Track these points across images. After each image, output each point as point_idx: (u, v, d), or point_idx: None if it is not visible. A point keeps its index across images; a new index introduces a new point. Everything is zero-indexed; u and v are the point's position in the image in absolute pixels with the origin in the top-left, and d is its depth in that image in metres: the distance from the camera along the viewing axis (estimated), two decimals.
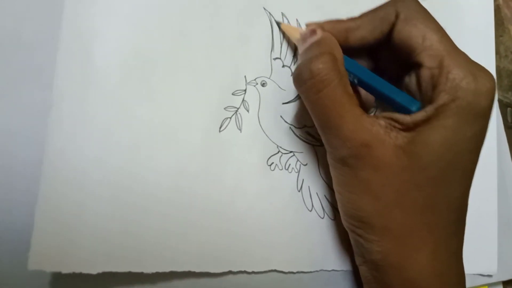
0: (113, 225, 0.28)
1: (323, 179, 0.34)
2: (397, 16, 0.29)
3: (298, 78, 0.28)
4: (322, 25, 0.30)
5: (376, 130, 0.27)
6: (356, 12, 0.35)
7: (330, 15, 0.35)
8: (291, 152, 0.34)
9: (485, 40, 0.40)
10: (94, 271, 0.27)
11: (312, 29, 0.30)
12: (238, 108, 0.33)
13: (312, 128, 0.34)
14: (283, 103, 0.34)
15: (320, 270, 0.34)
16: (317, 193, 0.34)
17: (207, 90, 0.32)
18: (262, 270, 0.32)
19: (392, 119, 0.27)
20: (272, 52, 0.34)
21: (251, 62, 0.33)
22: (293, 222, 0.33)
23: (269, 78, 0.34)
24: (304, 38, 0.31)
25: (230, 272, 0.31)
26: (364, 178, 0.27)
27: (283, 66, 0.34)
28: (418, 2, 0.30)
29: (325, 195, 0.34)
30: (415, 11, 0.29)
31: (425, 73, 0.28)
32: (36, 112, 0.29)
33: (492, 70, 0.40)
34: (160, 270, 0.29)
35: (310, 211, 0.34)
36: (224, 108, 0.32)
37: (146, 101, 0.30)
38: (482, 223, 0.38)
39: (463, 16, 0.39)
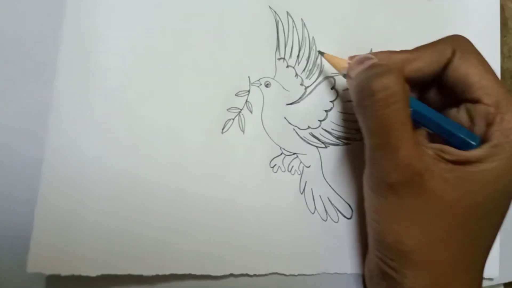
0: (112, 227, 0.28)
1: (327, 182, 0.34)
2: (453, 53, 0.29)
3: (365, 90, 0.27)
4: (374, 55, 0.30)
5: (427, 159, 0.26)
6: (363, 13, 0.35)
7: (335, 14, 0.35)
8: (294, 154, 0.33)
9: (490, 40, 0.39)
10: (93, 273, 0.27)
11: (366, 56, 0.30)
12: (241, 109, 0.32)
13: (316, 130, 0.34)
14: (287, 104, 0.33)
15: (323, 273, 0.33)
16: (320, 196, 0.33)
17: (210, 90, 0.32)
18: (264, 273, 0.32)
19: (441, 150, 0.27)
20: (277, 52, 0.33)
21: (255, 62, 0.33)
22: (295, 225, 0.33)
23: (273, 79, 0.33)
24: (360, 60, 0.30)
25: (231, 275, 0.31)
26: (412, 209, 0.26)
27: (288, 66, 0.34)
28: (471, 43, 0.30)
29: (328, 198, 0.34)
30: (471, 51, 0.29)
31: (481, 109, 0.28)
32: (37, 111, 0.28)
33: (497, 71, 0.39)
34: (160, 273, 0.29)
35: (313, 213, 0.33)
36: (227, 109, 0.32)
37: (147, 102, 0.30)
38: None
39: (468, 16, 0.39)
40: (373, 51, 0.35)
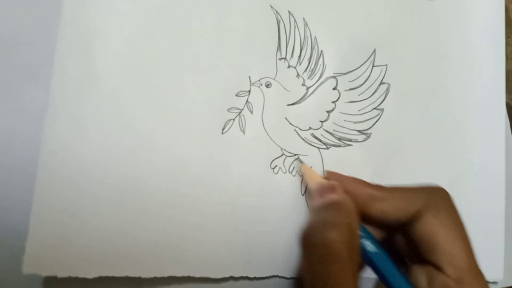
0: (110, 228, 0.28)
1: None
2: (425, 206, 0.27)
3: (309, 239, 0.25)
4: (344, 181, 0.29)
5: None
6: (366, 12, 0.35)
7: (338, 14, 0.34)
8: (295, 155, 0.33)
9: (495, 41, 0.39)
10: (90, 275, 0.27)
11: (332, 185, 0.28)
12: (241, 110, 0.32)
13: (318, 131, 0.33)
14: (288, 105, 0.33)
15: None
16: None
17: (210, 90, 0.31)
18: (264, 275, 0.31)
19: None
20: (278, 52, 0.33)
21: (256, 62, 0.33)
22: (296, 227, 0.32)
23: (273, 79, 0.33)
24: (321, 192, 0.28)
25: (231, 278, 0.31)
26: None
27: (289, 66, 0.33)
28: (451, 199, 0.28)
29: None
30: (447, 208, 0.27)
31: (440, 280, 0.26)
32: (34, 112, 0.28)
33: (501, 73, 0.39)
34: (159, 275, 0.28)
35: None
36: (227, 110, 0.31)
37: (146, 102, 0.30)
38: (489, 229, 0.37)
39: (471, 17, 0.38)
40: (376, 51, 0.35)
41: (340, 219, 0.25)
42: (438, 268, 0.26)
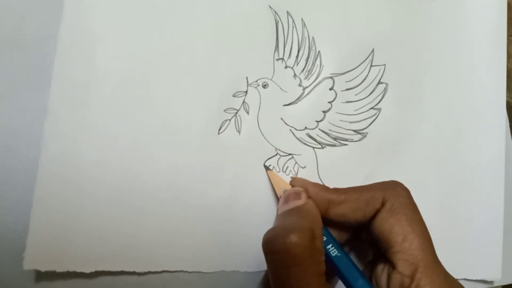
0: (107, 226, 0.29)
1: (322, 182, 0.34)
2: (383, 204, 0.28)
3: (270, 245, 0.25)
4: (307, 187, 0.29)
5: None
6: (364, 13, 0.35)
7: (336, 14, 0.34)
8: (289, 154, 0.33)
9: (496, 40, 0.38)
10: (87, 270, 0.28)
11: (297, 191, 0.29)
12: (238, 110, 0.33)
13: (313, 130, 0.34)
14: (284, 105, 0.34)
15: None
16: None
17: (208, 91, 0.32)
18: (256, 270, 0.32)
19: None
20: (276, 53, 0.33)
21: (254, 62, 0.33)
22: None
23: (270, 80, 0.33)
24: (286, 198, 0.29)
25: (222, 271, 0.32)
26: None
27: (286, 67, 0.34)
28: (409, 195, 0.28)
29: None
30: (403, 204, 0.28)
31: (395, 278, 0.26)
32: (36, 113, 0.29)
33: (503, 71, 0.39)
34: (153, 270, 0.30)
35: None
36: (224, 110, 0.32)
37: (144, 102, 0.31)
38: (488, 230, 0.38)
39: (472, 16, 0.38)
40: (374, 51, 0.35)
41: (301, 223, 0.26)
42: (394, 266, 0.27)
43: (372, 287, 0.27)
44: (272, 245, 0.25)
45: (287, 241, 0.24)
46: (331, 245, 0.28)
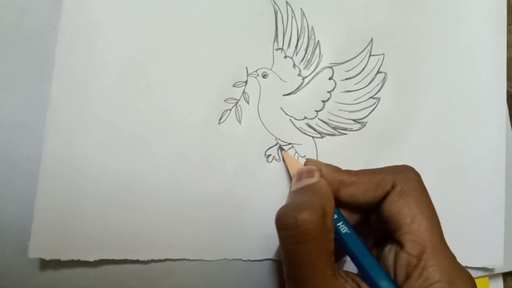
0: (110, 215, 0.29)
1: None
2: (393, 186, 0.28)
3: (282, 221, 0.26)
4: (320, 167, 0.30)
5: None
6: (363, 2, 0.35)
7: (335, 4, 0.35)
8: (289, 144, 0.34)
9: (496, 29, 0.39)
10: (91, 258, 0.29)
11: (310, 169, 0.30)
12: (238, 100, 0.33)
13: (313, 120, 0.34)
14: (284, 95, 0.34)
15: None
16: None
17: (208, 81, 0.32)
18: (258, 258, 0.33)
19: (358, 286, 0.27)
20: (275, 43, 0.34)
21: (253, 52, 0.33)
22: None
23: (270, 70, 0.33)
24: (300, 176, 0.30)
25: (224, 259, 0.32)
26: None
27: (285, 57, 0.34)
28: (419, 178, 0.29)
29: None
30: (413, 187, 0.28)
31: (403, 257, 0.27)
32: (38, 105, 0.29)
33: (503, 61, 0.39)
34: (155, 258, 0.30)
35: None
36: (224, 100, 0.32)
37: (145, 94, 0.31)
38: (489, 218, 0.38)
39: (471, 5, 0.38)
40: (373, 40, 0.35)
41: (312, 200, 0.27)
42: (402, 246, 0.27)
43: (379, 265, 0.28)
44: (284, 221, 0.26)
45: (298, 218, 0.25)
46: (341, 222, 0.29)
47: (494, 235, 0.38)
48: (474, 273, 0.38)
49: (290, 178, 0.33)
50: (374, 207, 0.29)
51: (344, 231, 0.28)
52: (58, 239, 0.28)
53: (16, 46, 0.30)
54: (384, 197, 0.28)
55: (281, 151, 0.34)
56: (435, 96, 0.37)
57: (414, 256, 0.26)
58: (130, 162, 0.30)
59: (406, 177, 0.28)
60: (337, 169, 0.30)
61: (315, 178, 0.29)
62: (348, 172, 0.30)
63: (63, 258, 0.28)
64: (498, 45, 0.39)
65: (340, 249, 0.29)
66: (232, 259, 0.32)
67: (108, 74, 0.30)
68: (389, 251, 0.28)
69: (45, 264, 0.29)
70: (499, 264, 0.38)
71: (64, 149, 0.29)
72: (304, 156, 0.34)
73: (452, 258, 0.27)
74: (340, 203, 0.30)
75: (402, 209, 0.27)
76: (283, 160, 0.33)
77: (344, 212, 0.30)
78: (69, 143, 0.29)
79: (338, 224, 0.28)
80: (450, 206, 0.36)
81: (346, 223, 0.29)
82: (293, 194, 0.30)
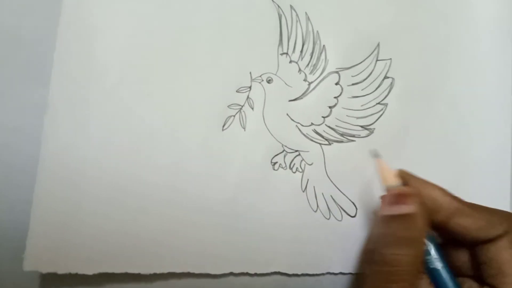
0: (110, 225, 0.28)
1: (330, 180, 0.33)
2: (506, 231, 0.27)
3: (371, 255, 0.25)
4: (420, 188, 0.28)
5: None
6: (369, 6, 0.34)
7: (341, 8, 0.34)
8: (296, 151, 0.33)
9: (502, 32, 0.38)
10: (90, 271, 0.27)
11: (406, 193, 0.27)
12: (242, 106, 0.32)
13: (320, 126, 0.33)
14: (290, 100, 0.33)
15: (326, 273, 0.33)
16: (322, 194, 0.33)
17: (210, 87, 0.31)
18: (265, 272, 0.31)
19: None
20: (280, 47, 0.33)
21: (257, 57, 0.32)
22: (297, 223, 0.32)
23: (275, 74, 0.32)
24: (392, 200, 0.27)
25: (231, 274, 0.31)
26: None
27: (290, 61, 0.33)
28: None
29: (331, 196, 0.33)
30: None
31: None
32: (36, 109, 0.28)
33: (509, 65, 0.38)
34: (158, 271, 0.29)
35: (315, 212, 0.32)
36: (228, 106, 0.31)
37: (146, 99, 0.30)
38: None
39: (478, 8, 0.37)
40: (380, 45, 0.35)
41: (409, 235, 0.25)
42: None
43: None
44: (375, 256, 0.24)
45: (391, 253, 0.23)
46: (437, 256, 0.27)
47: None
48: None
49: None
50: (475, 244, 0.28)
51: (438, 267, 0.27)
52: (55, 251, 0.27)
53: (14, 49, 0.29)
54: (492, 240, 0.27)
55: (375, 157, 0.31)
56: (442, 101, 0.36)
57: None
58: (130, 169, 0.29)
59: None
60: (448, 193, 0.28)
61: (413, 208, 0.26)
62: (463, 201, 0.28)
63: (60, 271, 0.26)
64: (504, 48, 0.38)
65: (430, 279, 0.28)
66: (239, 273, 0.31)
67: (108, 78, 0.29)
68: None
69: (43, 278, 0.28)
70: None
71: (62, 156, 0.28)
72: (311, 164, 0.33)
73: None
74: (438, 229, 0.28)
75: (510, 257, 0.26)
76: (377, 168, 0.30)
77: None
78: (67, 150, 0.28)
79: (433, 258, 0.27)
80: None
81: (441, 255, 0.27)
82: (384, 222, 0.27)
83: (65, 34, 0.29)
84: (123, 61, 0.30)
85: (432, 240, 0.28)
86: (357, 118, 0.34)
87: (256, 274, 0.31)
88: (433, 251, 0.27)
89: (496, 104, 0.38)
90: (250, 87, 0.32)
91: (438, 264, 0.27)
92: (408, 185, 0.28)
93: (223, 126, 0.31)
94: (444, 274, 0.27)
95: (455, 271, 0.28)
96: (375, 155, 0.31)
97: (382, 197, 0.29)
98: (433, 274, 0.27)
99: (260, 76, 0.32)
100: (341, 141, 0.34)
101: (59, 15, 0.29)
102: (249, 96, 0.32)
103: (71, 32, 0.29)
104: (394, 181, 0.29)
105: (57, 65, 0.28)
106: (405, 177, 0.29)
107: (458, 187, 0.35)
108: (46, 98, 0.28)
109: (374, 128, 0.34)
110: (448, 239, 0.29)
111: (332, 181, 0.33)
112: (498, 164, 0.37)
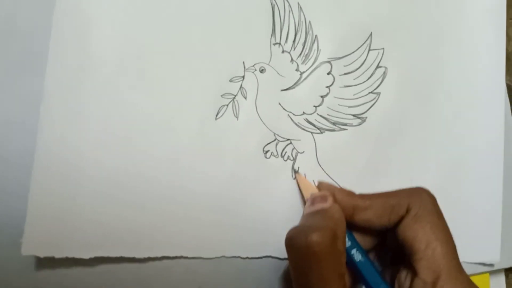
0: (105, 211, 0.29)
1: (321, 167, 0.34)
2: (408, 210, 0.28)
3: (292, 242, 0.26)
4: (334, 192, 0.30)
5: None
6: None
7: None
8: (288, 139, 0.33)
9: (496, 23, 0.38)
10: (86, 255, 0.28)
11: (323, 195, 0.30)
12: (235, 95, 0.32)
13: (312, 115, 0.34)
14: (282, 90, 0.33)
15: None
16: (313, 181, 0.34)
17: (204, 76, 0.32)
18: (257, 256, 0.32)
19: None
20: (273, 37, 0.33)
21: (250, 47, 0.33)
22: (288, 210, 0.33)
23: (268, 64, 0.33)
24: (313, 201, 0.30)
25: (223, 257, 0.32)
26: None
27: (283, 51, 0.33)
28: (435, 201, 0.29)
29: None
30: (428, 211, 0.28)
31: (417, 285, 0.27)
32: (32, 101, 0.29)
33: (502, 55, 0.38)
34: (152, 255, 0.30)
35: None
36: (221, 95, 0.32)
37: (141, 89, 0.30)
38: (487, 213, 0.38)
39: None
40: (372, 34, 0.35)
41: (324, 223, 0.26)
42: (416, 272, 0.27)
43: None
44: (294, 242, 0.26)
45: (308, 239, 0.25)
46: (355, 249, 0.29)
47: (491, 230, 0.38)
48: (474, 269, 0.38)
49: (304, 201, 0.33)
50: (389, 230, 0.29)
51: (358, 259, 0.28)
52: (52, 236, 0.28)
53: (9, 41, 0.29)
54: (399, 221, 0.28)
55: (294, 172, 0.33)
56: (435, 90, 0.37)
57: (429, 283, 0.26)
58: (125, 158, 0.30)
59: (421, 201, 0.28)
60: (350, 194, 0.30)
61: (328, 204, 0.29)
62: (362, 196, 0.30)
63: (58, 255, 0.28)
64: (497, 39, 0.38)
65: (356, 275, 0.29)
66: (231, 257, 0.32)
67: (103, 69, 0.30)
68: (405, 277, 0.28)
69: (40, 263, 0.29)
70: (495, 259, 0.38)
71: (58, 144, 0.29)
72: (302, 152, 0.33)
73: (468, 283, 0.26)
74: (355, 227, 0.29)
75: (416, 234, 0.27)
76: (297, 183, 0.33)
77: (360, 236, 0.30)
78: (63, 138, 0.29)
79: (352, 252, 0.28)
80: (449, 201, 0.36)
81: (360, 249, 0.29)
82: (305, 217, 0.30)
83: (60, 25, 0.29)
84: (118, 52, 0.30)
85: (350, 236, 0.29)
86: (349, 107, 0.35)
87: (248, 258, 0.32)
88: (349, 244, 0.29)
89: (489, 93, 0.38)
90: (243, 77, 0.33)
91: (358, 258, 0.28)
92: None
93: (217, 115, 0.32)
94: (362, 266, 0.28)
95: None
96: (296, 171, 0.34)
97: (306, 201, 0.31)
98: (355, 268, 0.29)
99: (254, 65, 0.33)
100: (333, 130, 0.34)
101: (53, 5, 0.29)
102: (242, 86, 0.33)
103: (66, 23, 0.29)
104: (313, 190, 0.32)
105: (52, 56, 0.29)
106: (321, 185, 0.33)
107: (452, 174, 0.37)
108: (40, 88, 0.29)
109: (366, 117, 0.35)
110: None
111: (323, 169, 0.34)
112: (491, 152, 0.38)
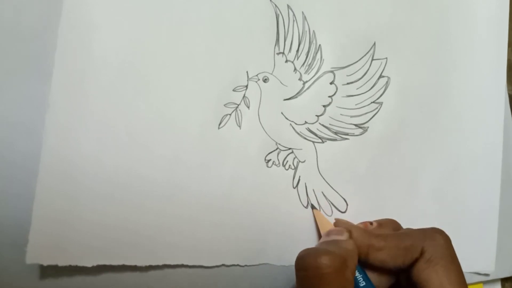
0: (108, 220, 0.29)
1: (322, 176, 0.34)
2: (422, 253, 0.28)
3: (302, 261, 0.27)
4: (350, 229, 0.30)
5: None
6: (365, 5, 0.35)
7: (337, 7, 0.34)
8: (289, 149, 0.34)
9: (498, 31, 0.38)
10: (89, 264, 0.29)
11: (340, 229, 0.30)
12: (238, 105, 0.33)
13: (314, 125, 0.34)
14: (285, 99, 0.34)
15: None
16: (313, 190, 0.34)
17: (207, 85, 0.32)
18: (255, 263, 0.33)
19: None
20: (276, 47, 0.33)
21: (254, 56, 0.33)
22: (287, 219, 0.33)
23: (271, 74, 0.33)
24: (329, 233, 0.31)
25: (223, 265, 0.32)
26: None
27: (286, 61, 0.34)
28: (448, 243, 0.29)
29: (322, 192, 0.34)
30: (442, 255, 0.28)
31: None
32: (36, 104, 0.29)
33: (503, 63, 0.39)
34: (154, 264, 0.30)
35: (306, 207, 0.34)
36: (224, 105, 0.32)
37: (143, 96, 0.31)
38: (483, 222, 0.38)
39: (473, 6, 0.38)
40: (376, 44, 0.35)
41: (336, 250, 0.27)
42: None
43: None
44: (304, 261, 0.26)
45: (318, 260, 0.25)
46: (364, 283, 0.29)
47: (487, 239, 0.38)
48: (470, 278, 0.38)
49: (319, 236, 0.34)
50: (404, 270, 0.29)
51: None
52: (56, 244, 0.28)
53: (13, 44, 0.29)
54: (413, 263, 0.29)
55: (312, 209, 0.34)
56: (437, 100, 0.37)
57: None
58: (128, 163, 0.30)
59: (434, 243, 0.29)
60: (366, 232, 0.30)
61: (344, 237, 0.30)
62: (377, 236, 0.30)
63: (61, 263, 0.28)
64: (499, 46, 0.39)
65: None
66: (230, 265, 0.32)
67: (106, 74, 0.30)
68: None
69: (44, 270, 0.29)
70: (491, 270, 0.38)
71: (63, 152, 0.29)
72: (304, 161, 0.34)
73: None
74: (370, 266, 0.30)
75: (430, 277, 0.28)
76: (314, 219, 0.34)
77: (375, 276, 0.30)
78: (67, 146, 0.29)
79: (361, 285, 0.29)
80: (446, 209, 0.37)
81: (370, 286, 0.29)
82: (319, 245, 0.30)
83: (65, 32, 0.29)
84: (121, 58, 0.30)
85: (363, 274, 0.29)
86: (351, 116, 0.35)
87: (246, 266, 0.33)
88: (358, 275, 0.29)
89: (490, 102, 0.38)
90: (246, 86, 0.33)
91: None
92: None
93: (219, 125, 0.32)
94: None
95: None
96: (313, 207, 0.34)
97: (322, 235, 0.32)
98: None
99: (257, 75, 0.33)
100: (335, 139, 0.35)
101: (58, 9, 0.29)
102: (246, 95, 0.33)
103: (71, 29, 0.29)
104: (330, 227, 0.33)
105: (58, 62, 0.29)
106: (339, 222, 0.33)
107: (449, 182, 0.37)
108: (45, 92, 0.29)
109: (368, 127, 0.35)
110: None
111: (323, 178, 0.34)
112: (489, 160, 0.38)
